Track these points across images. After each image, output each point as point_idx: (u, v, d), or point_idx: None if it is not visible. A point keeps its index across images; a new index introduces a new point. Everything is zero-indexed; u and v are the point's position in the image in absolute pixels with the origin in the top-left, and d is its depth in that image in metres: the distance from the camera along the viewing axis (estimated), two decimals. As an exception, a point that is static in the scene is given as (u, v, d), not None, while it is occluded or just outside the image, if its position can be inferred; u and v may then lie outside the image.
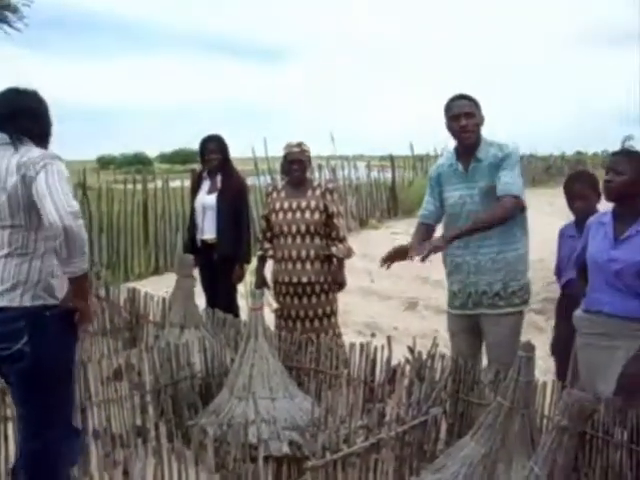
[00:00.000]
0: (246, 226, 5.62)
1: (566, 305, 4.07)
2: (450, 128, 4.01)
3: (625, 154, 3.41)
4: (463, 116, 3.92)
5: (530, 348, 2.90)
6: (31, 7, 16.36)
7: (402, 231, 13.62)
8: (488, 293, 3.98)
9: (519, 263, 4.00)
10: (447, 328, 4.34)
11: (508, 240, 3.93)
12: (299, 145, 4.96)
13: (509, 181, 3.85)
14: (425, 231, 4.24)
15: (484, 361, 4.12)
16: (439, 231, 4.23)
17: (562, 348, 4.06)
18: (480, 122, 4.01)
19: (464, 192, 4.02)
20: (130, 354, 4.18)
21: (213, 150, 5.52)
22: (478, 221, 3.86)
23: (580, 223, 4.02)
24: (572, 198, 4.10)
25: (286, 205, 4.93)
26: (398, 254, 4.10)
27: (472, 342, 4.15)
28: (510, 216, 3.88)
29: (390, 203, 16.42)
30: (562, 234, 4.25)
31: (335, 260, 4.97)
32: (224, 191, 5.47)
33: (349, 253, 5.01)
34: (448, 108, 4.00)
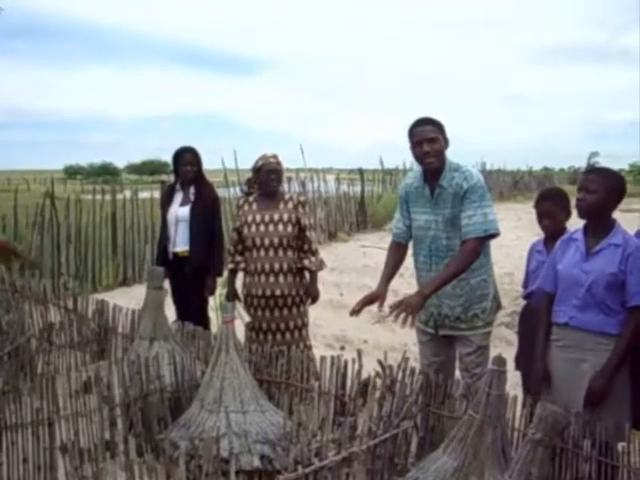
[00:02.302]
0: (219, 238, 5.60)
1: (528, 319, 4.13)
2: (414, 153, 3.95)
3: (596, 172, 3.45)
4: (426, 142, 3.85)
5: (501, 362, 2.93)
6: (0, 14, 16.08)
7: (371, 244, 13.70)
8: (450, 317, 4.03)
9: (481, 288, 4.02)
10: (417, 339, 4.37)
11: (470, 267, 3.90)
12: (275, 157, 4.97)
13: (478, 220, 3.82)
14: (399, 252, 4.22)
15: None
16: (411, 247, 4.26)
17: (526, 361, 4.11)
18: (444, 146, 3.93)
19: (429, 217, 4.01)
20: (99, 367, 4.13)
21: (189, 161, 5.50)
22: (449, 273, 3.81)
23: (549, 240, 4.08)
24: (541, 216, 4.15)
25: (258, 218, 4.92)
26: (369, 301, 3.96)
27: (441, 351, 4.18)
28: (474, 260, 3.86)
29: (359, 216, 16.51)
30: (532, 248, 4.32)
31: (307, 273, 4.98)
32: (197, 203, 5.45)
33: (321, 266, 5.03)
34: (411, 134, 3.93)
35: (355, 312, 3.90)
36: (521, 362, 4.32)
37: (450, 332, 4.06)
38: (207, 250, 5.41)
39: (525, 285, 4.37)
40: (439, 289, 3.83)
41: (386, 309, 3.74)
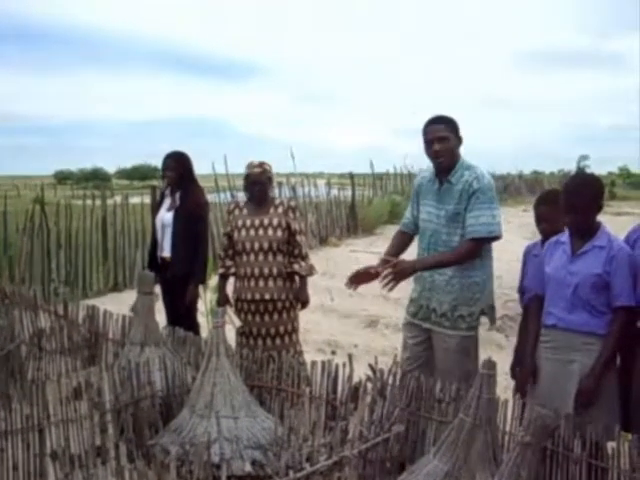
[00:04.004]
0: (203, 245, 5.55)
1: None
2: (426, 151, 4.07)
3: (570, 192, 3.49)
4: (436, 141, 3.96)
5: (491, 366, 2.94)
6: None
7: (362, 249, 13.70)
8: (437, 311, 4.08)
9: (472, 290, 4.05)
10: (402, 341, 4.41)
11: (465, 267, 4.00)
12: (260, 165, 4.96)
13: (483, 222, 3.93)
14: (401, 239, 4.36)
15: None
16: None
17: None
18: (455, 145, 4.03)
19: (433, 210, 4.10)
20: (89, 373, 4.12)
21: (170, 167, 5.51)
22: (443, 259, 4.00)
23: (545, 243, 4.09)
24: (539, 219, 4.14)
25: (248, 222, 4.92)
26: (365, 275, 4.11)
27: (421, 355, 4.22)
28: (471, 259, 4.00)
29: (350, 221, 16.49)
30: (528, 252, 4.29)
31: (298, 278, 4.98)
32: (181, 209, 5.44)
33: (311, 270, 5.03)
34: (424, 132, 4.05)
35: (351, 284, 4.16)
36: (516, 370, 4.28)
37: (432, 327, 4.11)
38: (189, 256, 5.37)
39: (521, 290, 4.33)
40: (429, 269, 4.00)
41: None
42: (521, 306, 4.32)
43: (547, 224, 4.07)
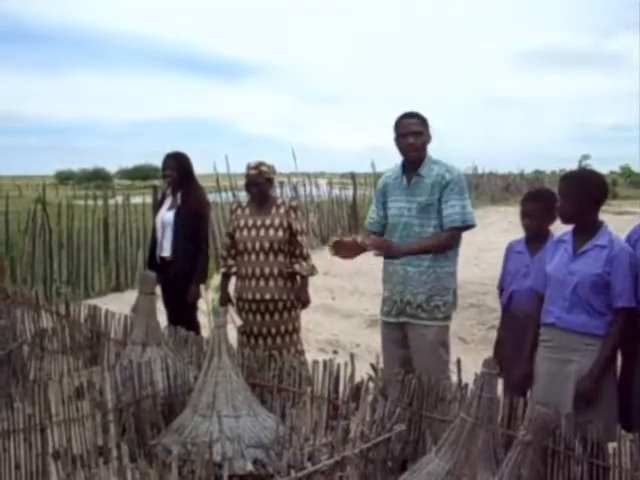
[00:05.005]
0: (204, 245, 5.56)
1: (508, 322, 4.11)
2: (398, 144, 4.19)
3: (568, 179, 3.56)
4: (411, 135, 4.10)
5: (492, 365, 2.94)
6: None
7: (363, 248, 13.68)
8: (412, 303, 4.15)
9: (446, 280, 4.16)
10: (381, 342, 4.46)
11: (439, 257, 4.13)
12: (257, 167, 4.97)
13: (458, 211, 4.07)
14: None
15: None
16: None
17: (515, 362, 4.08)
18: (427, 140, 4.18)
19: (404, 205, 4.20)
20: (91, 372, 4.12)
21: (170, 167, 5.53)
22: (424, 246, 4.10)
23: (530, 241, 4.08)
24: (524, 215, 4.15)
25: (250, 222, 4.94)
26: (350, 248, 4.13)
27: (400, 354, 4.26)
28: (450, 247, 4.14)
29: (351, 221, 16.48)
30: (510, 248, 4.26)
31: (299, 278, 4.99)
32: (182, 208, 5.45)
33: (313, 271, 5.04)
34: (398, 125, 4.18)
35: (334, 250, 4.15)
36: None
37: (408, 319, 4.17)
38: (190, 256, 5.39)
39: (501, 286, 4.31)
40: (413, 254, 4.09)
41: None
42: (500, 302, 4.32)
43: (531, 221, 4.07)
